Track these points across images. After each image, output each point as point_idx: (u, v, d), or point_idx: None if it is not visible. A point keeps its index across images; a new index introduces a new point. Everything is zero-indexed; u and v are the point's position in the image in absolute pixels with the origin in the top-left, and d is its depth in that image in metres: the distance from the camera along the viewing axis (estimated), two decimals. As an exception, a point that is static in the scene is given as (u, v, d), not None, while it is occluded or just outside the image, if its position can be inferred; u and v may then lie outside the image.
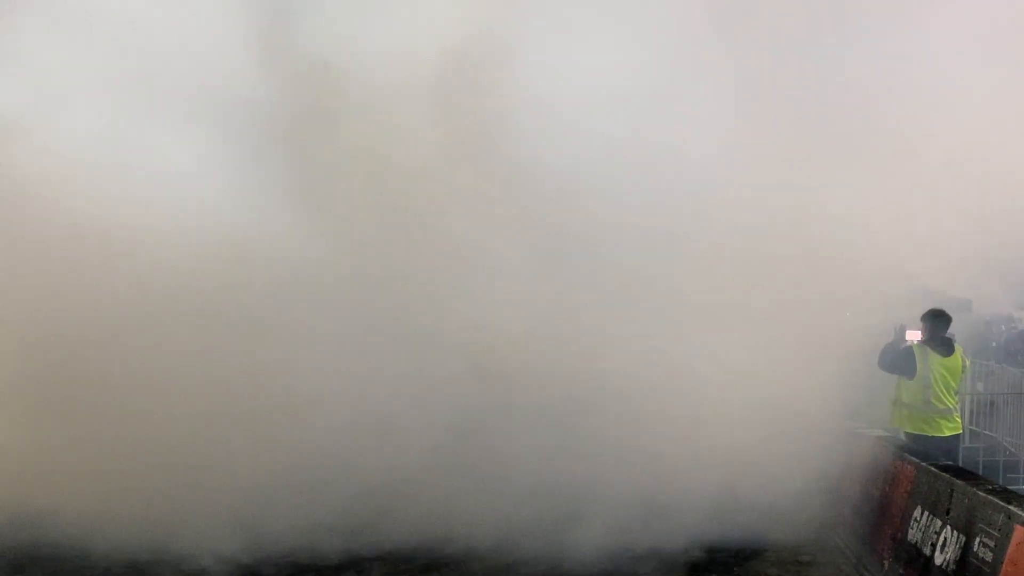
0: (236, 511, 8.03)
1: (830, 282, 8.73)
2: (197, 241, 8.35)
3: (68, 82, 8.59)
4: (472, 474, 8.30)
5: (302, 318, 8.59)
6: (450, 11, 8.73)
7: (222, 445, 8.12)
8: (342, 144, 8.73)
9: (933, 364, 8.57)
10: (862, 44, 9.35)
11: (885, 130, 8.98)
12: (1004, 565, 5.54)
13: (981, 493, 6.16)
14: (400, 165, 8.69)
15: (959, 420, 8.93)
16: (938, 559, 6.42)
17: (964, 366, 8.93)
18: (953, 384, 8.66)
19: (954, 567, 6.17)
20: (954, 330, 8.99)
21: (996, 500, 5.94)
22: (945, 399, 8.58)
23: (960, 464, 8.36)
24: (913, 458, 7.63)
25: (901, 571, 7.05)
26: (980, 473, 9.45)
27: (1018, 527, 5.55)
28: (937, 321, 8.70)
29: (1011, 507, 5.72)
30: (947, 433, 8.61)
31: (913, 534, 7.00)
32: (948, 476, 6.79)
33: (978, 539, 5.94)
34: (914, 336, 9.13)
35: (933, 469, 7.11)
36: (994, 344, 16.03)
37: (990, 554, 5.74)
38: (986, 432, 12.63)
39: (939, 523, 6.61)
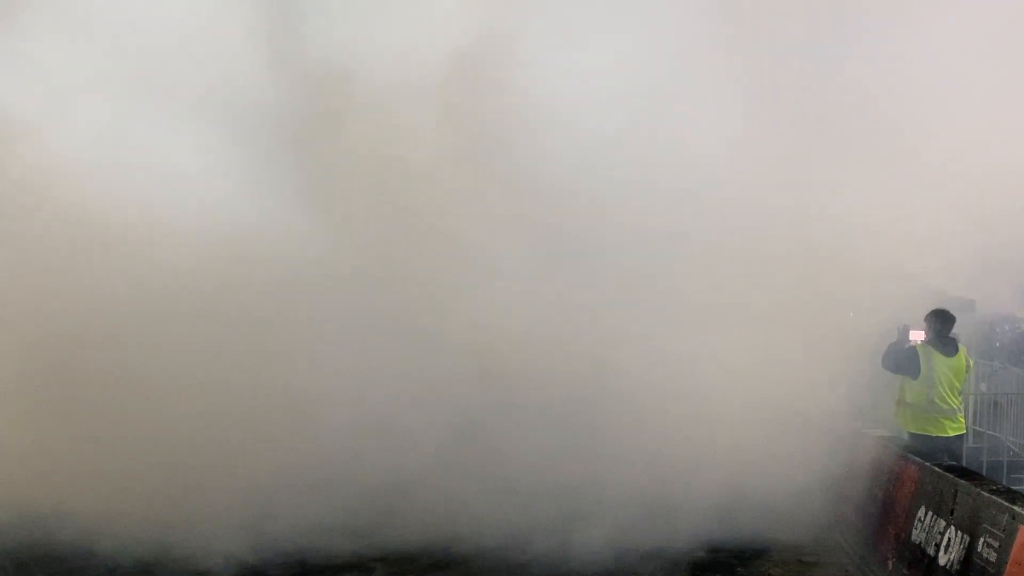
0: (240, 511, 8.04)
1: (833, 282, 8.73)
2: (199, 241, 8.38)
3: (73, 82, 8.64)
4: (475, 474, 8.31)
5: (305, 318, 8.62)
6: (453, 12, 8.75)
7: (226, 445, 8.14)
8: (346, 145, 8.76)
9: (937, 364, 8.55)
10: (862, 44, 9.35)
11: (887, 130, 8.98)
12: (1008, 565, 5.53)
13: (985, 493, 6.14)
14: (403, 166, 8.72)
15: (963, 420, 8.92)
16: (942, 559, 6.41)
17: (968, 366, 8.91)
18: (957, 384, 8.64)
19: (958, 567, 6.15)
20: (957, 330, 8.97)
21: (1000, 500, 5.92)
22: (949, 399, 8.56)
23: (964, 464, 8.35)
24: (917, 458, 7.62)
25: (905, 571, 7.04)
26: (984, 473, 9.45)
27: (1022, 527, 5.53)
28: (941, 321, 8.68)
29: (1015, 507, 5.71)
30: (951, 433, 8.60)
31: (917, 534, 6.98)
32: (952, 476, 6.77)
33: (982, 539, 5.92)
34: (917, 336, 9.12)
35: (937, 469, 7.10)
36: (998, 344, 16.01)
37: (994, 554, 5.72)
38: (990, 432, 12.60)
39: (943, 523, 6.60)
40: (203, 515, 7.93)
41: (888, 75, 9.22)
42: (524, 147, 8.74)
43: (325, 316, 8.65)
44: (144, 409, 8.14)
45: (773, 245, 8.74)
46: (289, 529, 8.11)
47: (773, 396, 8.24)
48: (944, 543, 6.46)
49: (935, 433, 8.55)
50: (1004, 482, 9.22)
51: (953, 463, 7.61)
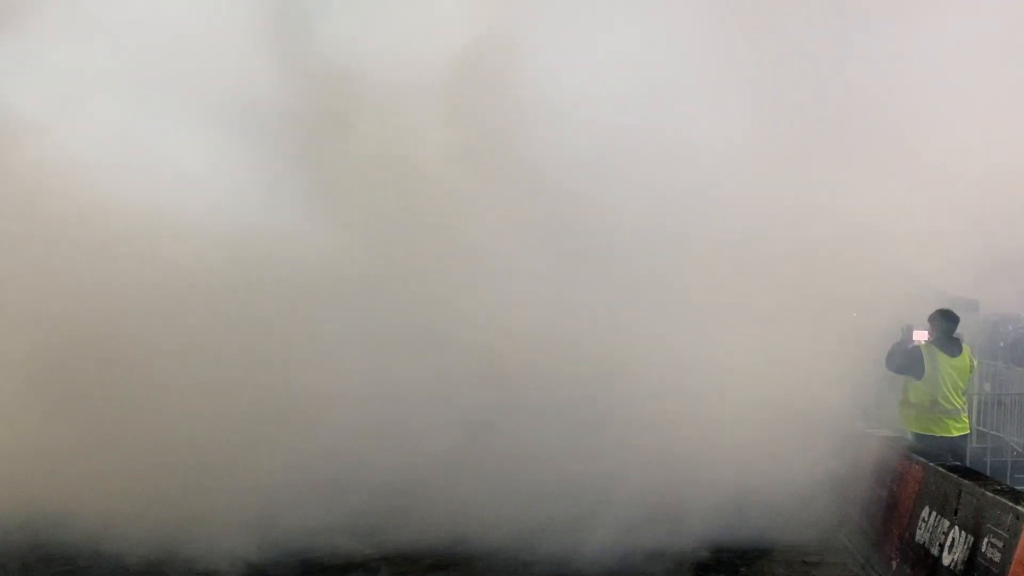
0: (246, 511, 8.05)
1: (837, 282, 8.73)
2: (206, 242, 8.41)
3: (81, 82, 8.66)
4: (481, 474, 8.31)
5: (311, 319, 8.64)
6: (458, 13, 8.76)
7: (232, 445, 8.16)
8: (353, 145, 8.77)
9: (941, 364, 8.56)
10: (868, 44, 9.35)
11: (891, 130, 8.98)
12: (1012, 566, 5.52)
13: (989, 493, 6.14)
14: (409, 166, 8.73)
15: (967, 420, 8.93)
16: (946, 559, 6.41)
17: (972, 366, 8.91)
18: (961, 384, 8.65)
19: (962, 567, 6.15)
20: (961, 330, 8.98)
21: (1004, 500, 5.92)
22: (953, 399, 8.56)
23: (967, 464, 8.35)
24: (921, 458, 7.61)
25: (909, 571, 7.04)
26: (988, 473, 9.45)
27: (1026, 527, 5.53)
28: (945, 321, 8.69)
29: (1019, 507, 5.70)
30: (955, 433, 8.60)
31: (921, 534, 6.99)
32: (956, 476, 6.77)
33: (986, 539, 5.92)
34: (921, 336, 9.12)
35: (941, 469, 7.09)
36: (1001, 344, 16.00)
37: (998, 555, 5.73)
38: (993, 432, 12.60)
39: (947, 523, 6.60)
40: (209, 515, 7.94)
41: (892, 75, 9.22)
42: (530, 147, 8.75)
43: (332, 316, 8.67)
44: (150, 409, 8.17)
45: (777, 245, 8.75)
46: (294, 529, 8.13)
47: (777, 396, 8.24)
48: (948, 543, 6.46)
49: (939, 433, 8.55)
50: (1008, 482, 9.24)
51: (957, 463, 7.61)
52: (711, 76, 8.81)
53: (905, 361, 8.74)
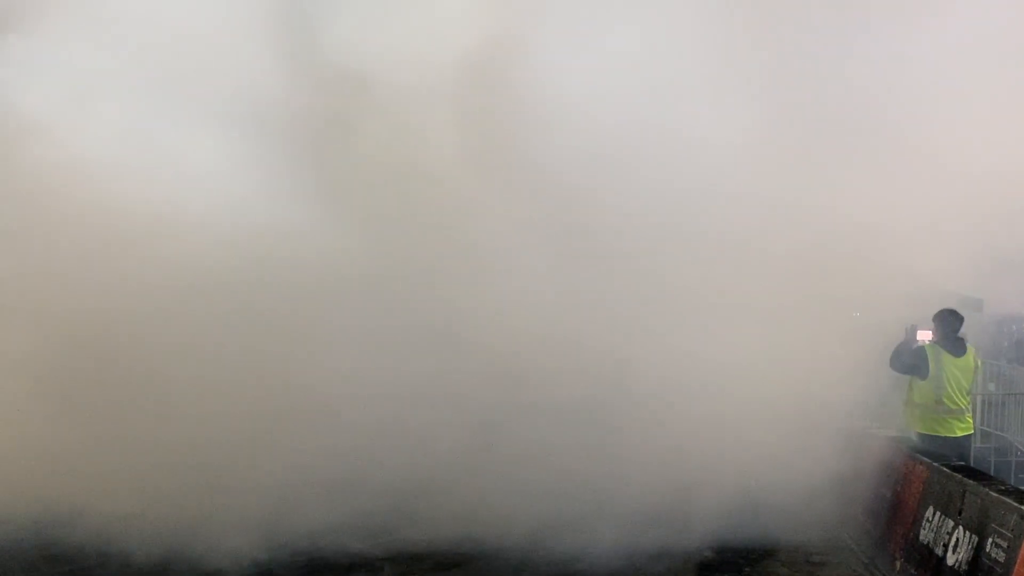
0: (253, 511, 8.06)
1: (841, 282, 8.72)
2: (215, 242, 8.43)
3: (89, 83, 8.71)
4: (486, 473, 8.31)
5: (320, 319, 8.66)
6: (463, 13, 8.76)
7: (240, 445, 8.18)
8: (361, 146, 8.79)
9: (946, 364, 8.54)
10: (871, 43, 9.33)
11: (896, 129, 8.95)
12: (1017, 565, 5.52)
13: (993, 493, 6.14)
14: (418, 167, 8.74)
15: (971, 420, 8.90)
16: (950, 559, 6.41)
17: (976, 366, 8.89)
18: (965, 384, 8.63)
19: (966, 568, 6.15)
20: (966, 330, 8.96)
21: (1009, 500, 5.92)
22: (957, 399, 8.55)
23: (972, 464, 8.34)
24: (925, 458, 7.62)
25: (913, 571, 7.04)
26: (992, 473, 9.44)
27: (1031, 527, 5.53)
28: (949, 321, 8.67)
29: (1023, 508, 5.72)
30: (959, 433, 8.58)
31: (925, 534, 6.99)
32: (960, 476, 6.77)
33: (991, 539, 5.92)
34: (925, 336, 9.09)
35: (945, 469, 7.09)
36: (1006, 344, 15.98)
37: (1003, 554, 5.72)
38: (998, 432, 12.58)
39: (951, 523, 6.60)
40: (215, 515, 7.96)
41: (896, 73, 9.19)
42: (535, 147, 8.76)
43: (338, 317, 8.69)
44: (156, 409, 8.19)
45: (780, 244, 8.75)
46: (300, 529, 8.14)
47: (780, 396, 8.24)
48: (952, 543, 6.46)
49: (943, 433, 8.53)
50: (1012, 482, 9.21)
51: (961, 463, 7.60)
52: (715, 76, 8.80)
53: (909, 361, 8.71)
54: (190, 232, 8.41)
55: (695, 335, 8.46)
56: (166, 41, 8.78)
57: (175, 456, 8.08)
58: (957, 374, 8.54)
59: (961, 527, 6.41)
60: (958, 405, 8.55)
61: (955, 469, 7.06)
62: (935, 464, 7.33)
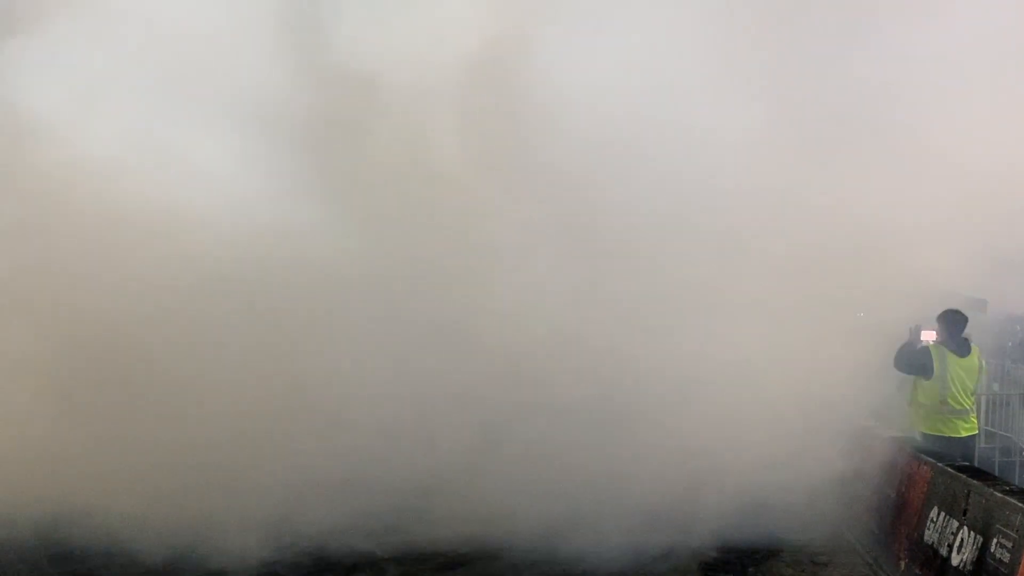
0: (260, 511, 8.07)
1: (845, 281, 8.72)
2: (225, 242, 8.45)
3: (102, 84, 8.76)
4: (493, 473, 8.32)
5: (329, 319, 8.68)
6: (470, 14, 8.77)
7: (248, 444, 8.19)
8: (370, 146, 8.81)
9: (950, 365, 8.53)
10: (879, 41, 9.32)
11: (902, 128, 8.95)
12: (1021, 566, 5.52)
13: (998, 494, 6.14)
14: (428, 166, 8.76)
15: (975, 421, 8.90)
16: (955, 560, 6.41)
17: (981, 366, 8.89)
18: (970, 385, 8.62)
19: (971, 568, 6.15)
20: (970, 330, 8.95)
21: (1013, 501, 5.92)
22: (962, 400, 8.54)
23: (976, 465, 8.33)
24: (929, 459, 7.61)
25: (918, 572, 7.04)
26: (996, 474, 9.42)
27: (1036, 528, 5.53)
28: (954, 321, 8.66)
29: (1028, 508, 5.71)
30: (963, 434, 8.58)
31: (930, 535, 6.98)
32: (965, 477, 6.77)
33: (995, 540, 5.92)
34: (929, 336, 9.08)
35: (950, 470, 7.09)
36: (1010, 344, 15.95)
37: (1007, 555, 5.72)
38: (1002, 433, 12.56)
39: (956, 524, 6.59)
40: (222, 514, 7.96)
41: (902, 72, 9.19)
42: (543, 146, 8.77)
43: (348, 316, 8.71)
44: (163, 408, 8.20)
45: (785, 244, 8.75)
46: (306, 529, 8.16)
47: (785, 395, 8.24)
48: (957, 544, 6.45)
49: (948, 433, 8.53)
50: (1017, 482, 9.22)
51: (966, 463, 7.60)
52: (720, 76, 8.81)
53: (914, 361, 8.71)
54: (196, 232, 8.43)
55: (700, 334, 8.47)
56: (172, 42, 8.81)
57: (180, 456, 8.07)
58: (962, 374, 8.54)
59: (966, 527, 6.40)
60: (963, 405, 8.55)
61: (959, 469, 7.06)
62: (939, 464, 7.33)
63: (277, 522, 8.14)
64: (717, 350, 8.38)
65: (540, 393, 8.53)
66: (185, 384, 8.24)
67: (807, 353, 8.34)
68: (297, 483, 8.29)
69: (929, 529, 7.02)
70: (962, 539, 6.39)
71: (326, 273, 8.60)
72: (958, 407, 8.52)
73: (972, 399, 8.75)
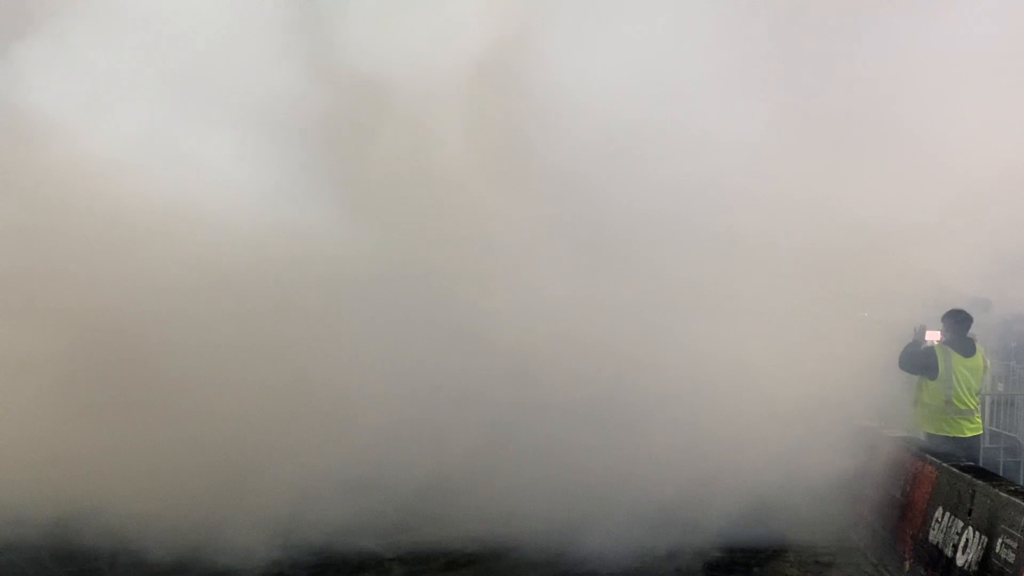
0: (268, 510, 8.10)
1: (849, 281, 8.72)
2: (235, 243, 8.47)
3: (112, 84, 8.80)
4: (498, 473, 8.34)
5: (339, 319, 8.70)
6: (477, 16, 8.79)
7: (257, 444, 8.22)
8: (380, 146, 8.83)
9: (955, 365, 8.54)
10: (885, 41, 9.31)
11: (907, 128, 8.94)
12: (1027, 566, 5.53)
13: (1003, 494, 6.14)
14: (436, 167, 8.79)
15: (980, 421, 8.91)
16: (960, 560, 6.41)
17: (986, 366, 8.89)
18: (975, 385, 8.63)
19: (976, 568, 6.15)
20: (975, 330, 8.95)
21: (1018, 501, 5.91)
22: (967, 400, 8.54)
23: (981, 465, 8.33)
24: (934, 459, 7.61)
25: (922, 572, 7.04)
26: (1001, 474, 9.42)
27: (1041, 528, 5.53)
28: (958, 321, 8.67)
29: (1034, 508, 5.70)
30: (968, 434, 8.58)
31: (934, 535, 6.98)
32: (969, 477, 6.77)
33: (1000, 540, 5.92)
34: (934, 336, 9.09)
35: (954, 470, 7.09)
36: (1014, 344, 15.90)
37: (1012, 555, 5.72)
38: (1007, 433, 12.54)
39: (961, 524, 6.59)
40: (229, 514, 7.99)
41: (907, 72, 9.18)
42: (551, 147, 8.79)
43: (355, 317, 8.73)
44: (172, 408, 8.23)
45: (790, 244, 8.75)
46: (312, 528, 8.18)
47: (789, 396, 8.24)
48: (962, 544, 6.45)
49: (952, 433, 8.53)
50: (1021, 482, 9.19)
51: (970, 463, 7.60)
52: (730, 75, 8.80)
53: (919, 361, 8.71)
54: (204, 232, 8.45)
55: (706, 335, 8.47)
56: (181, 43, 8.84)
57: (187, 456, 8.08)
58: (967, 374, 8.54)
59: (971, 527, 6.40)
60: (967, 405, 8.55)
61: (964, 469, 7.05)
62: (944, 464, 7.32)
63: (284, 522, 8.18)
64: (723, 350, 8.39)
65: (546, 393, 8.54)
66: (192, 384, 8.26)
67: (811, 353, 8.34)
68: (304, 483, 8.31)
69: (934, 529, 7.02)
70: (967, 539, 6.39)
71: (333, 274, 8.62)
72: (963, 407, 8.53)
73: (977, 399, 8.75)
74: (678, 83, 8.82)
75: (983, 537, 6.16)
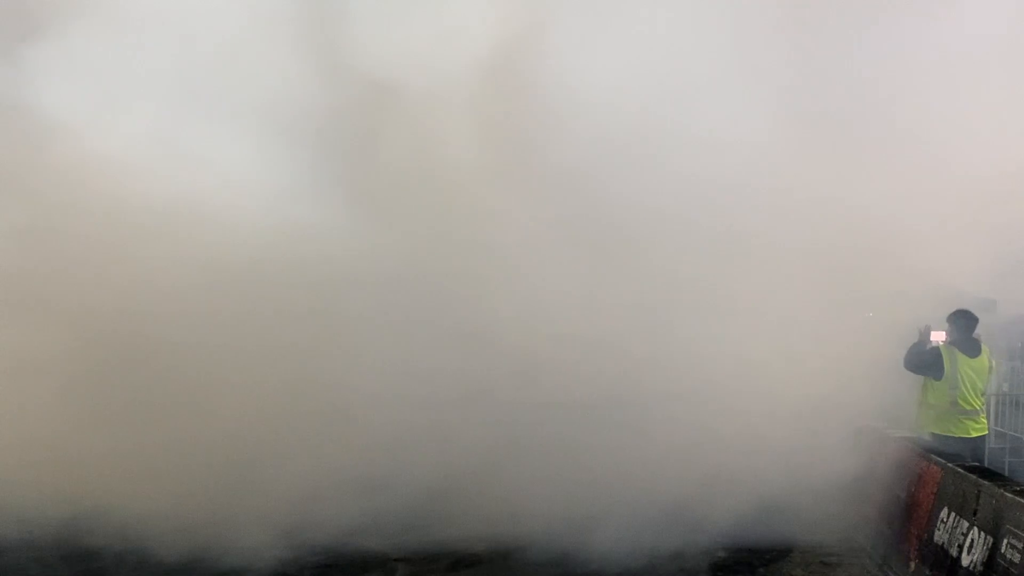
0: (274, 510, 8.12)
1: (854, 282, 8.73)
2: (244, 243, 8.51)
3: (123, 86, 8.86)
4: (504, 473, 8.35)
5: (347, 320, 8.73)
6: (484, 17, 8.81)
7: (265, 444, 8.25)
8: (389, 148, 8.86)
9: (960, 365, 8.52)
10: (891, 41, 9.31)
11: (912, 128, 8.95)
12: (1032, 566, 5.53)
13: (1008, 494, 6.14)
14: (444, 167, 8.81)
15: (985, 421, 8.88)
16: (965, 560, 6.41)
17: (991, 367, 8.88)
18: (980, 385, 8.61)
19: (981, 568, 6.15)
20: (980, 330, 8.94)
21: (1023, 501, 5.92)
22: (972, 400, 8.53)
23: (986, 465, 8.32)
24: (939, 459, 7.61)
25: (927, 572, 7.04)
26: (1006, 474, 9.40)
27: (1046, 528, 5.53)
28: (964, 321, 8.66)
29: (1039, 508, 5.71)
30: (973, 434, 8.57)
31: (940, 535, 6.98)
32: (975, 477, 6.77)
33: (1006, 540, 5.92)
34: (938, 337, 9.07)
35: (959, 470, 7.09)
36: (1019, 344, 15.87)
37: (1018, 555, 5.73)
38: (1012, 433, 12.52)
39: (966, 524, 6.60)
40: (236, 514, 8.01)
41: (913, 72, 9.18)
42: (558, 148, 8.81)
43: (363, 317, 8.75)
44: (180, 408, 8.26)
45: (795, 243, 8.77)
46: (318, 528, 8.20)
47: (794, 396, 8.25)
48: (967, 544, 6.46)
49: (957, 434, 8.52)
50: (1027, 483, 9.17)
51: (976, 464, 7.60)
52: (737, 75, 8.83)
53: (924, 362, 8.70)
54: (215, 233, 8.49)
55: (710, 335, 8.49)
56: (190, 44, 8.89)
57: (195, 456, 8.12)
58: (972, 375, 8.53)
59: (976, 528, 6.41)
60: (973, 406, 8.54)
61: (969, 470, 7.06)
62: (949, 465, 7.32)
63: (291, 522, 8.19)
64: (727, 350, 8.41)
65: (551, 393, 8.56)
66: (199, 384, 8.29)
67: (816, 353, 8.36)
68: (311, 483, 8.33)
69: (939, 530, 7.02)
70: (972, 540, 6.40)
71: (342, 274, 8.65)
72: (968, 407, 8.52)
73: (982, 399, 8.74)
74: (683, 84, 8.85)
75: (988, 537, 6.17)
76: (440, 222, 8.89)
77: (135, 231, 8.39)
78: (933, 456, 7.77)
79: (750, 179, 8.89)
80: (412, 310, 8.87)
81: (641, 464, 8.25)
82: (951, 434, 8.53)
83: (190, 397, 8.28)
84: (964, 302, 8.99)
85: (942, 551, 6.85)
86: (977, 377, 8.56)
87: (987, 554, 6.12)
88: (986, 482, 6.56)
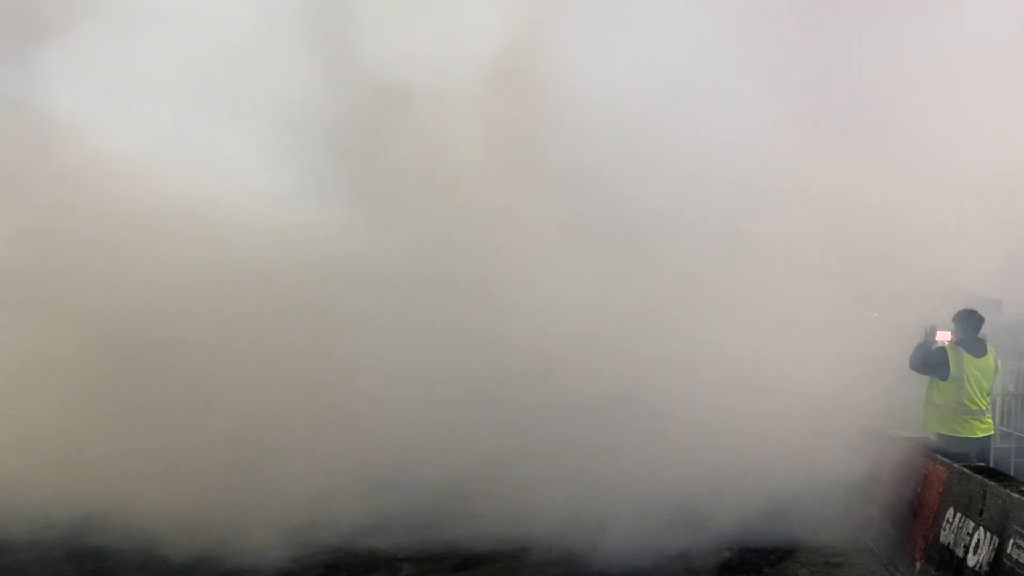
0: (281, 510, 8.13)
1: (861, 281, 8.72)
2: (253, 243, 8.53)
3: (131, 86, 8.89)
4: (510, 473, 8.36)
5: (355, 320, 8.75)
6: (490, 19, 8.83)
7: (273, 445, 8.26)
8: (397, 149, 8.88)
9: (966, 365, 8.52)
10: (897, 40, 9.30)
11: (918, 128, 8.94)
12: (1039, 566, 5.53)
13: (1015, 495, 6.13)
14: (454, 168, 8.83)
15: (991, 421, 8.89)
16: (971, 561, 6.40)
17: (997, 367, 8.87)
18: (986, 385, 8.61)
19: (987, 569, 6.14)
20: (985, 330, 8.93)
21: (1030, 501, 5.92)
22: (978, 400, 8.53)
23: (992, 465, 8.31)
24: (945, 459, 7.60)
25: (933, 572, 7.03)
26: (1012, 474, 9.39)
27: (1053, 528, 5.53)
28: (970, 321, 8.65)
29: (1045, 508, 5.70)
30: (979, 434, 8.56)
31: (945, 535, 6.98)
32: (980, 477, 6.77)
33: (1012, 540, 5.92)
34: (944, 337, 9.07)
35: (965, 470, 7.08)
36: (1025, 344, 15.84)
37: (1024, 555, 5.72)
38: (1018, 433, 12.50)
39: (972, 524, 6.59)
40: (243, 514, 8.03)
41: (920, 71, 9.17)
42: (566, 148, 8.82)
43: (371, 317, 8.78)
44: (188, 408, 8.27)
45: (801, 243, 8.76)
46: (324, 528, 8.22)
47: (800, 396, 8.25)
48: (973, 544, 6.45)
49: (963, 434, 8.51)
50: (1032, 483, 9.16)
51: (981, 464, 7.59)
52: (744, 75, 8.83)
53: (930, 362, 8.69)
54: (225, 234, 8.52)
55: (719, 335, 8.49)
56: (200, 45, 8.91)
57: (202, 456, 8.14)
58: (978, 375, 8.52)
59: (982, 528, 6.40)
60: (978, 406, 8.53)
61: (975, 470, 7.05)
62: (955, 465, 7.32)
63: (297, 522, 8.20)
64: (734, 350, 8.41)
65: (558, 394, 8.58)
66: (208, 385, 8.31)
67: (822, 354, 8.35)
68: (318, 483, 8.34)
69: (945, 530, 7.01)
70: (978, 540, 6.39)
71: (351, 274, 8.68)
72: (974, 408, 8.51)
73: (988, 400, 8.74)
74: (687, 84, 8.85)
75: (994, 538, 6.16)
76: (446, 222, 8.91)
77: (141, 232, 8.42)
78: (939, 456, 7.77)
79: (755, 179, 8.89)
80: (419, 311, 8.89)
81: (647, 464, 8.25)
82: (957, 434, 8.52)
83: (196, 397, 8.30)
84: (970, 302, 8.98)
85: (948, 551, 6.85)
86: (983, 377, 8.56)
87: (993, 554, 6.11)
88: (992, 482, 6.55)
